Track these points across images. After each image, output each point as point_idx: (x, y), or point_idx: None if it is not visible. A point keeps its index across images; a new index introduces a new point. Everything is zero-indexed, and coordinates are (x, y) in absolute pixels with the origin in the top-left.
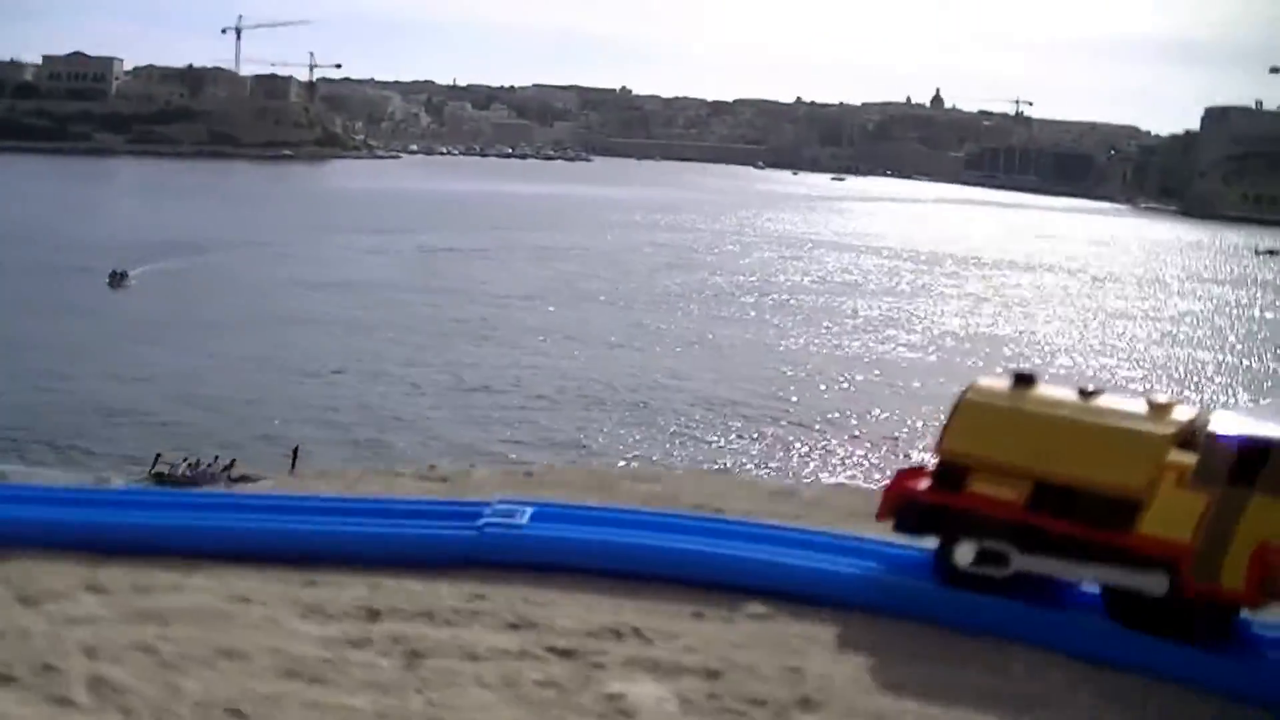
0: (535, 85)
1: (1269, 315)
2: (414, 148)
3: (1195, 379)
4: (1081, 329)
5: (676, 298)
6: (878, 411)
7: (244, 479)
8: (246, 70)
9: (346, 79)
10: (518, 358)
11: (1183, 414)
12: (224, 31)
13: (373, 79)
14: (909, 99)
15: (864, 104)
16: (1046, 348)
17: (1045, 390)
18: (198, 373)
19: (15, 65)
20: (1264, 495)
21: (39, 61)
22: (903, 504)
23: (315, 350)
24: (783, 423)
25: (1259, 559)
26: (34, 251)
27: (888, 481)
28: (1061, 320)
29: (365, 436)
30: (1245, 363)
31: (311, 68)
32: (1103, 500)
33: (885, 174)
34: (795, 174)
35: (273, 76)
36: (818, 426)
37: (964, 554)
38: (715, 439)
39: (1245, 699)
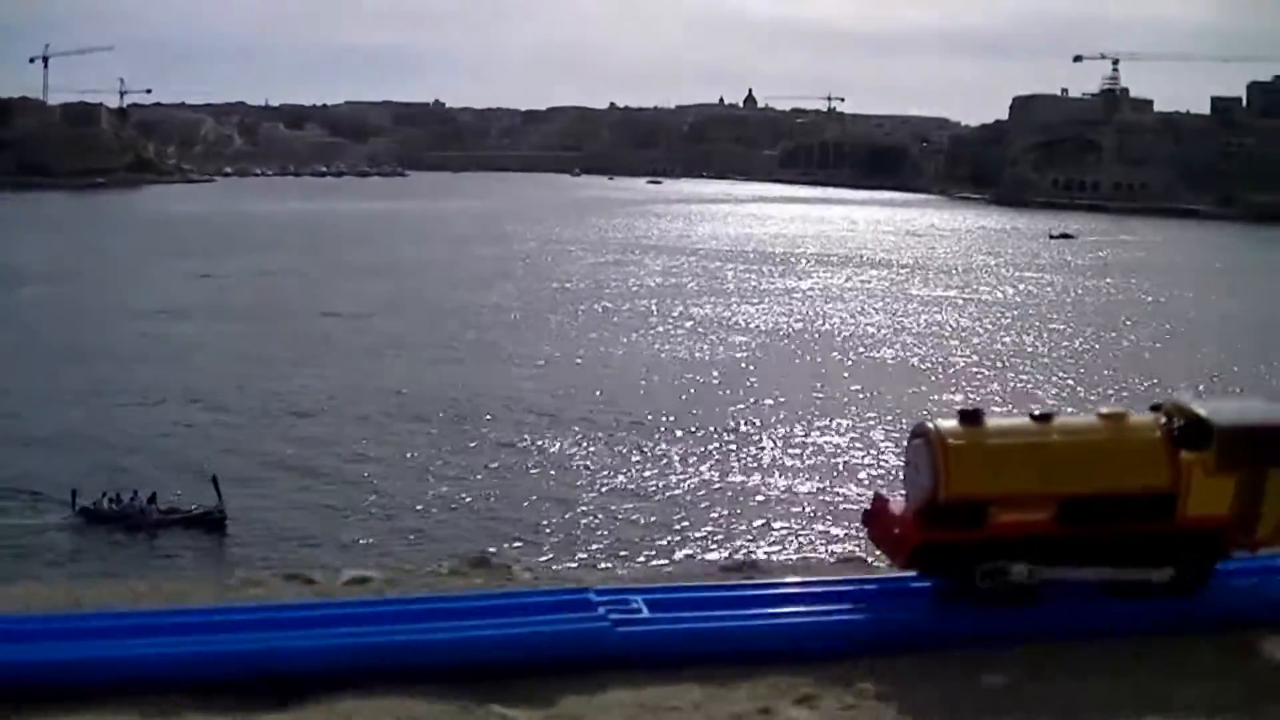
0: (348, 102)
1: (1058, 294)
2: (228, 170)
3: (1001, 356)
4: (897, 319)
5: (500, 310)
6: (717, 413)
7: (172, 511)
8: (56, 99)
9: (158, 104)
10: (347, 378)
11: (1145, 419)
12: (31, 60)
13: (184, 103)
14: (722, 100)
15: (678, 107)
16: (870, 339)
17: (1007, 421)
18: (23, 409)
19: None
20: (1277, 468)
21: None
22: (925, 550)
23: (138, 381)
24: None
25: None
26: None
27: (902, 536)
28: (880, 311)
29: (200, 465)
30: (1037, 340)
31: (122, 94)
32: (1135, 501)
33: (702, 175)
34: (611, 179)
35: (82, 104)
36: (658, 433)
37: (1019, 573)
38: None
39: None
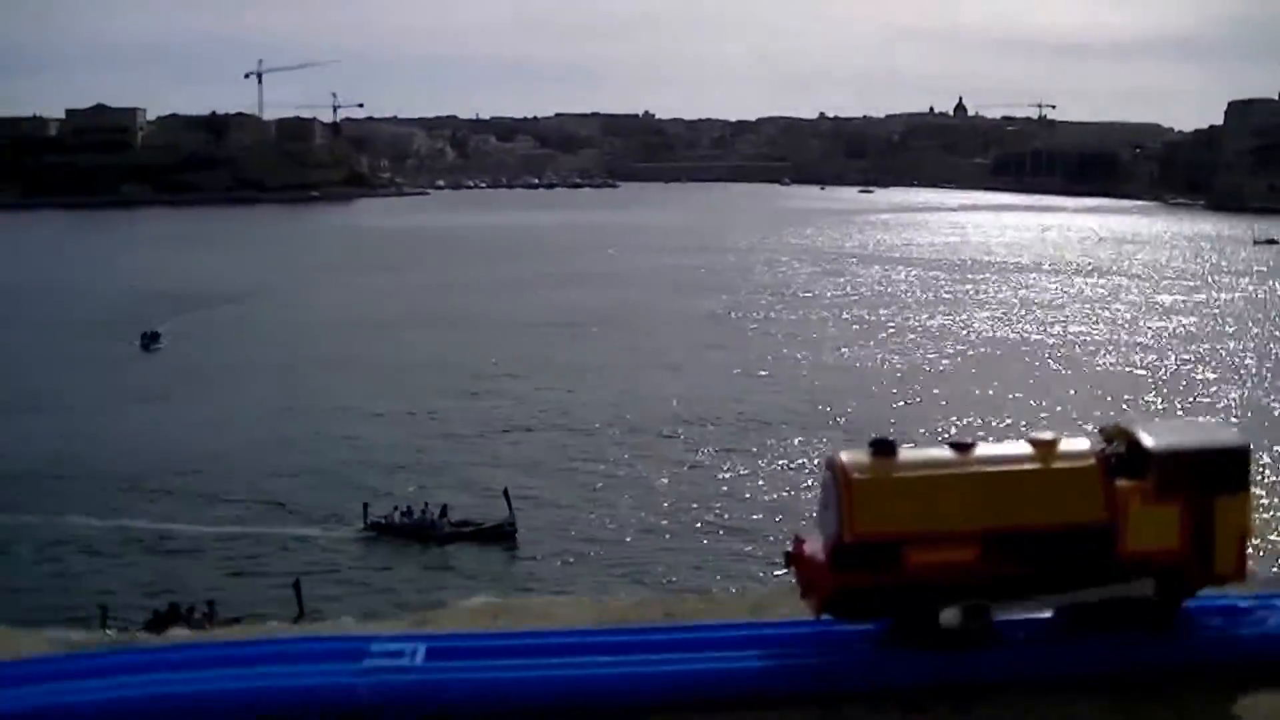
0: (557, 114)
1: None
2: (441, 183)
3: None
4: (1114, 329)
5: (719, 318)
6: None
7: (463, 523)
8: (270, 114)
9: (370, 118)
10: (597, 390)
11: (1079, 446)
12: (246, 76)
13: (395, 116)
14: (932, 109)
15: (887, 116)
16: (1088, 349)
17: (923, 452)
18: (287, 421)
19: (39, 121)
20: (1225, 496)
21: (62, 116)
22: (843, 595)
23: (361, 397)
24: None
25: (1243, 545)
26: (74, 311)
27: (815, 580)
28: (1100, 320)
29: (431, 480)
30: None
31: (335, 108)
32: (1068, 535)
33: (912, 184)
34: (823, 188)
35: (296, 119)
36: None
37: (951, 616)
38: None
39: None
